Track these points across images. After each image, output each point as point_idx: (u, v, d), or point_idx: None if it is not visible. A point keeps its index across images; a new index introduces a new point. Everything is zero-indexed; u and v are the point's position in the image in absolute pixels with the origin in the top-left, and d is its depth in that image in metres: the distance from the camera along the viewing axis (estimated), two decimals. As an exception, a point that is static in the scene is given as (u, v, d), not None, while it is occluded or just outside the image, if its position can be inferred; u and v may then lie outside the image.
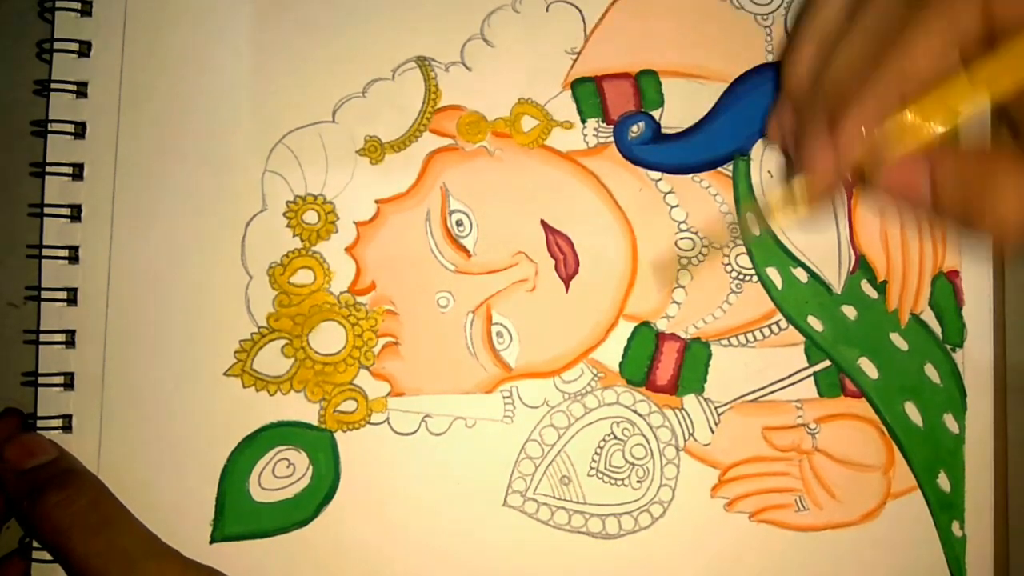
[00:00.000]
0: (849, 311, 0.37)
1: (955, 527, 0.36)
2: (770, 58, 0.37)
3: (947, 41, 0.24)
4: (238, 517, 0.34)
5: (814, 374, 0.37)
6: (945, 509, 0.36)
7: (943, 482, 0.37)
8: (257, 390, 0.35)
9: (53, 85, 0.35)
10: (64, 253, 0.35)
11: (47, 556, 0.33)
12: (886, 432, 0.37)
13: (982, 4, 0.23)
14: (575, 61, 0.37)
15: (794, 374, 0.37)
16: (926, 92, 0.25)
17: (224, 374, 0.35)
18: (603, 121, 0.37)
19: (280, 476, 0.35)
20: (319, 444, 0.35)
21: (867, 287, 0.37)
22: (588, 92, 0.36)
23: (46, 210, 0.35)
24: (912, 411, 0.37)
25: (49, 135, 0.35)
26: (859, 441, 0.37)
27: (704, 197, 0.37)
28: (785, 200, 0.30)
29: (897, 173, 0.26)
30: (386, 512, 0.35)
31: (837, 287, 0.37)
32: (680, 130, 0.37)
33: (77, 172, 0.35)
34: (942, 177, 0.26)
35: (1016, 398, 0.38)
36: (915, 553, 0.36)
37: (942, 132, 0.26)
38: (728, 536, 0.36)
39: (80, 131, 0.35)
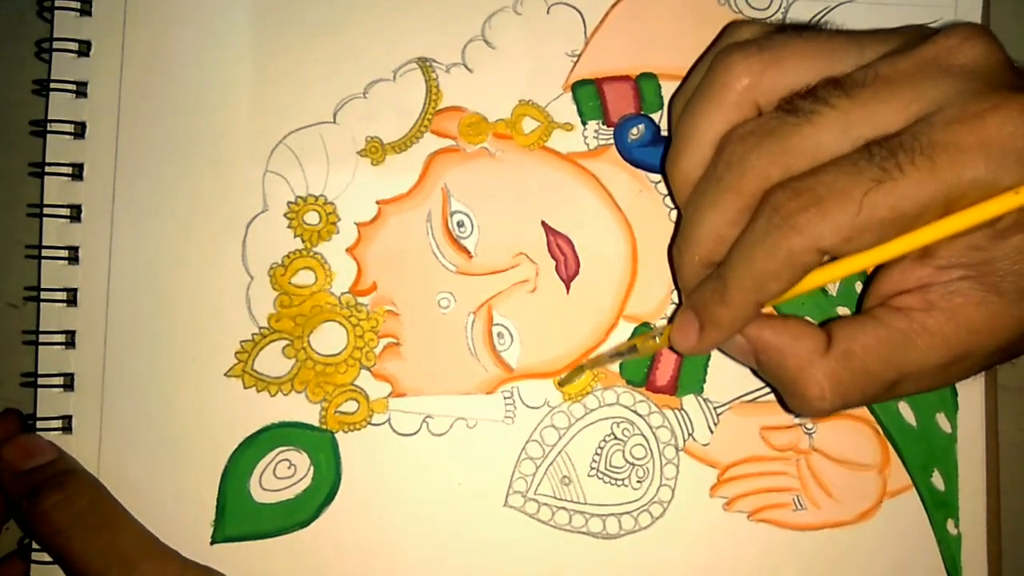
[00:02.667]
0: (845, 312, 0.37)
1: (950, 525, 0.37)
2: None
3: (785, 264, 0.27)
4: (239, 518, 0.34)
5: (811, 374, 0.37)
6: (940, 508, 0.37)
7: (937, 481, 0.37)
8: (258, 391, 0.35)
9: (52, 85, 0.35)
10: (64, 253, 0.34)
11: (46, 557, 0.33)
12: (880, 432, 0.37)
13: (818, 249, 0.26)
14: (576, 63, 0.37)
15: (792, 375, 0.37)
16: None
17: (225, 375, 0.35)
18: (603, 123, 0.37)
19: (281, 477, 0.35)
20: (320, 445, 0.35)
21: (862, 288, 0.37)
22: (588, 94, 0.37)
23: (46, 210, 0.34)
24: (905, 410, 0.37)
25: (49, 135, 0.35)
26: (855, 440, 0.37)
27: (703, 199, 0.37)
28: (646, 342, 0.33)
29: (732, 348, 0.31)
30: (387, 513, 0.35)
31: (832, 288, 0.37)
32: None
33: (77, 172, 0.35)
34: (763, 361, 0.30)
35: (1007, 397, 0.38)
36: (911, 551, 0.36)
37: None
38: (727, 535, 0.36)
39: (80, 131, 0.35)
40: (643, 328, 0.36)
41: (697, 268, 0.30)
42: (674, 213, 0.37)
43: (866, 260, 0.27)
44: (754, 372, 0.31)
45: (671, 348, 0.31)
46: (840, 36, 0.29)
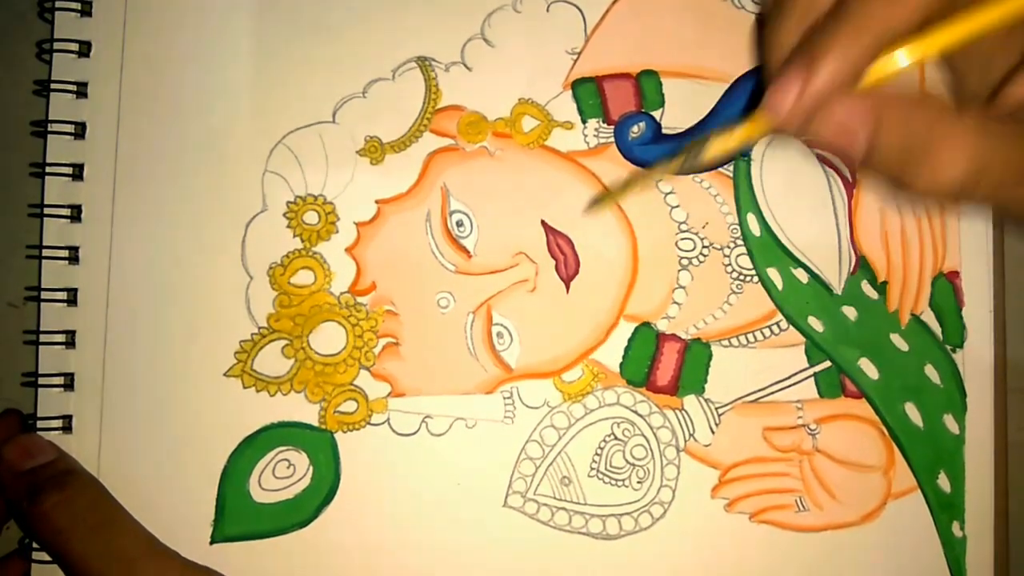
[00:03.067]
0: (849, 312, 0.37)
1: (955, 527, 0.36)
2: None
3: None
4: (238, 518, 0.34)
5: (814, 375, 0.37)
6: (945, 509, 0.36)
7: (943, 483, 0.37)
8: (257, 391, 0.35)
9: (53, 85, 0.35)
10: (64, 253, 0.35)
11: (47, 557, 0.33)
12: (886, 432, 0.37)
13: None
14: (576, 61, 0.37)
15: (794, 375, 0.37)
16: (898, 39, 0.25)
17: (224, 375, 0.35)
18: (604, 121, 0.37)
19: (280, 477, 0.35)
20: (319, 445, 0.35)
21: (867, 288, 0.37)
22: (589, 92, 0.36)
23: (46, 210, 0.35)
24: (912, 412, 0.37)
25: (49, 135, 0.35)
26: (859, 442, 0.37)
27: (704, 197, 0.37)
28: (729, 136, 0.28)
29: (840, 117, 0.26)
30: (386, 513, 0.35)
31: (838, 288, 0.37)
32: (681, 130, 0.37)
33: (77, 172, 0.35)
34: (885, 127, 0.25)
35: (1016, 399, 0.38)
36: (915, 553, 0.36)
37: (902, 70, 0.25)
38: (728, 537, 0.36)
39: (80, 131, 0.35)
40: (645, 328, 0.36)
41: (796, 35, 0.26)
42: (675, 212, 0.36)
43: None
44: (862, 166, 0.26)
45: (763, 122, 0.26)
46: None
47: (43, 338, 0.34)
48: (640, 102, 0.37)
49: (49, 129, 0.35)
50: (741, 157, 0.37)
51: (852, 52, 0.24)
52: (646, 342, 0.36)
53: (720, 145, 0.28)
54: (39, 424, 0.34)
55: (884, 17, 0.24)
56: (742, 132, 0.27)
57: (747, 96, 0.37)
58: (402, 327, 0.35)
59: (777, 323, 0.37)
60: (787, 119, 0.25)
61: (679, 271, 0.36)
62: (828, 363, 0.37)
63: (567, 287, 0.36)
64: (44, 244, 0.34)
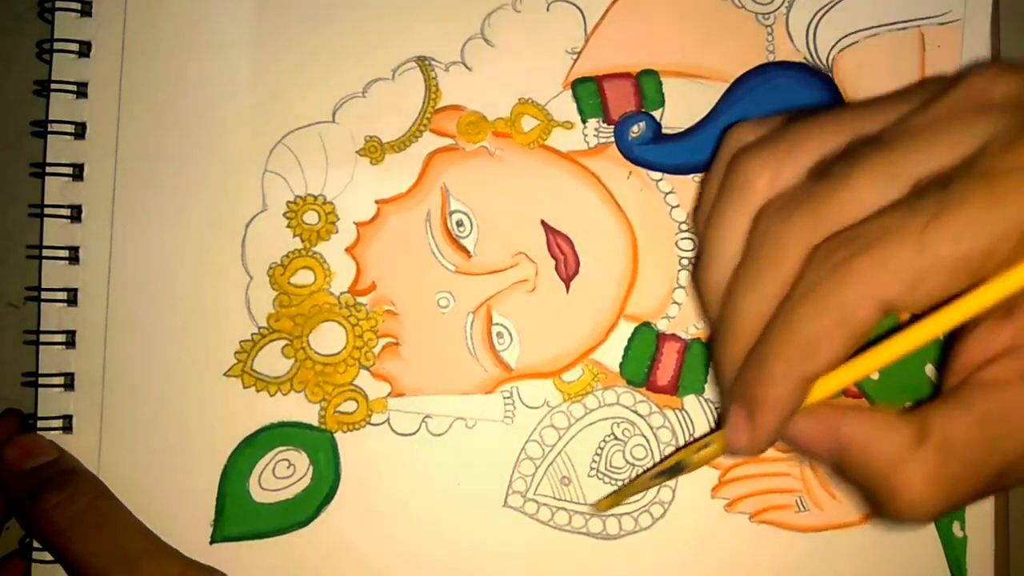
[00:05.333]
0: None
1: (955, 528, 0.36)
2: (771, 58, 0.37)
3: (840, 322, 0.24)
4: (238, 518, 0.34)
5: (815, 374, 0.37)
6: (946, 510, 0.36)
7: (944, 482, 0.37)
8: (257, 391, 0.35)
9: (53, 85, 0.35)
10: (64, 254, 0.35)
11: (47, 556, 0.33)
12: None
13: (877, 300, 0.23)
14: (575, 61, 0.37)
15: (795, 374, 0.36)
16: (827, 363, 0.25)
17: (224, 375, 0.35)
18: (604, 121, 0.36)
19: (280, 477, 0.35)
20: (319, 445, 0.35)
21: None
22: (589, 92, 0.36)
23: (46, 210, 0.35)
24: (913, 411, 0.37)
25: (49, 135, 0.35)
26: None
27: (705, 197, 0.37)
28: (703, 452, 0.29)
29: (802, 435, 0.26)
30: (386, 513, 0.35)
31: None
32: (681, 130, 0.37)
33: (77, 172, 0.35)
34: (844, 452, 0.26)
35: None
36: (915, 553, 0.36)
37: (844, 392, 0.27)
38: (729, 537, 0.36)
39: (80, 131, 0.35)
40: (645, 328, 0.36)
41: (739, 361, 0.26)
42: (675, 212, 0.36)
43: (938, 324, 0.24)
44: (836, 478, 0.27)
45: (729, 453, 0.28)
46: (852, 106, 0.27)
47: (43, 338, 0.34)
48: (640, 102, 0.37)
49: (49, 129, 0.35)
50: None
51: (784, 393, 0.25)
52: (646, 342, 0.36)
53: (698, 463, 0.29)
54: (39, 424, 0.34)
55: (807, 358, 0.24)
56: (714, 451, 0.28)
57: (746, 98, 0.37)
58: (402, 327, 0.35)
59: (777, 323, 0.36)
60: (747, 451, 0.27)
61: (679, 271, 0.36)
62: (828, 363, 0.37)
63: (567, 287, 0.36)
64: (44, 244, 0.34)
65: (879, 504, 0.26)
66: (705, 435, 0.32)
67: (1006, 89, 0.24)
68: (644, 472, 0.35)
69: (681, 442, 0.36)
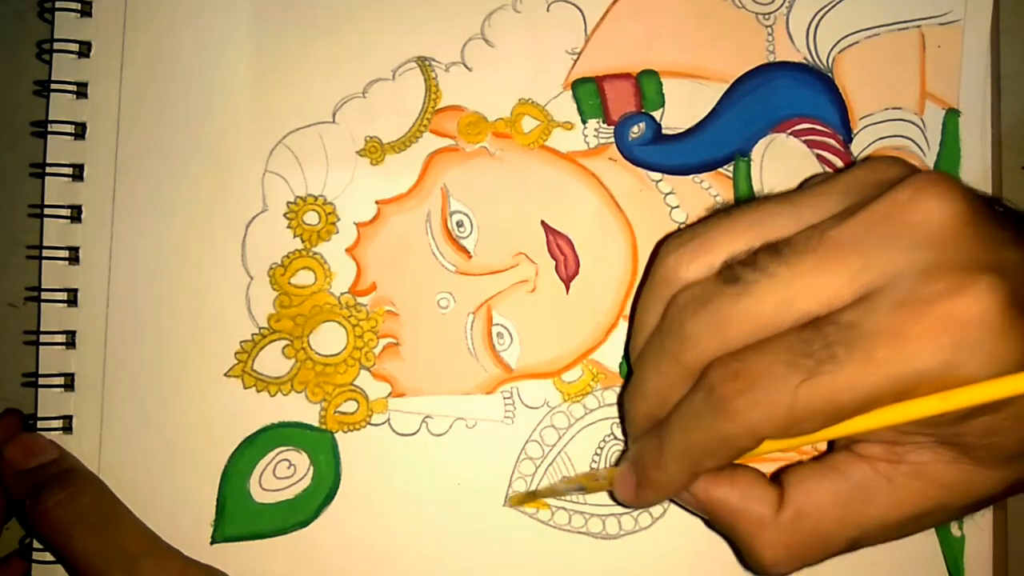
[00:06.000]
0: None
1: (953, 527, 0.36)
2: (771, 58, 0.37)
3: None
4: (239, 518, 0.34)
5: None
6: (944, 509, 0.36)
7: (942, 482, 0.37)
8: (258, 391, 0.35)
9: (53, 85, 0.35)
10: (64, 254, 0.35)
11: (48, 556, 0.33)
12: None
13: (753, 435, 0.25)
14: (576, 61, 0.37)
15: (794, 375, 0.37)
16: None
17: (225, 375, 0.35)
18: (604, 122, 0.36)
19: (281, 477, 0.35)
20: (320, 445, 0.35)
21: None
22: (589, 92, 0.36)
23: (46, 211, 0.35)
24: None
25: (49, 136, 0.35)
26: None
27: (705, 198, 0.37)
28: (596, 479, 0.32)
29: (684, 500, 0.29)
30: (387, 513, 0.35)
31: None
32: (681, 131, 0.37)
33: (77, 173, 0.35)
34: (714, 507, 0.28)
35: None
36: (913, 552, 0.36)
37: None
38: (728, 536, 0.36)
39: (80, 131, 0.35)
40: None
41: (643, 420, 0.29)
42: (675, 212, 0.36)
43: (812, 439, 0.26)
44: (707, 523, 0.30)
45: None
46: (773, 200, 0.27)
47: (43, 338, 0.34)
48: (640, 102, 0.37)
49: (49, 129, 0.35)
50: (740, 156, 0.37)
51: (672, 481, 0.27)
52: (646, 342, 0.36)
53: (592, 491, 0.32)
54: (39, 424, 0.34)
55: (695, 463, 0.27)
56: (603, 486, 0.31)
57: (745, 98, 0.37)
58: (402, 327, 0.35)
59: (777, 323, 0.36)
60: (629, 506, 0.32)
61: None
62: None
63: (567, 287, 0.36)
64: (44, 244, 0.35)
65: (745, 560, 0.28)
66: (599, 471, 0.34)
67: (924, 214, 0.24)
68: (560, 480, 0.35)
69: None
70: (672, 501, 0.31)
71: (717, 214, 0.28)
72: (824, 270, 0.24)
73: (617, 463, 0.32)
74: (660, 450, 0.27)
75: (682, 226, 0.36)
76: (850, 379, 0.23)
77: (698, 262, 0.27)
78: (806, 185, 0.29)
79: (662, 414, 0.28)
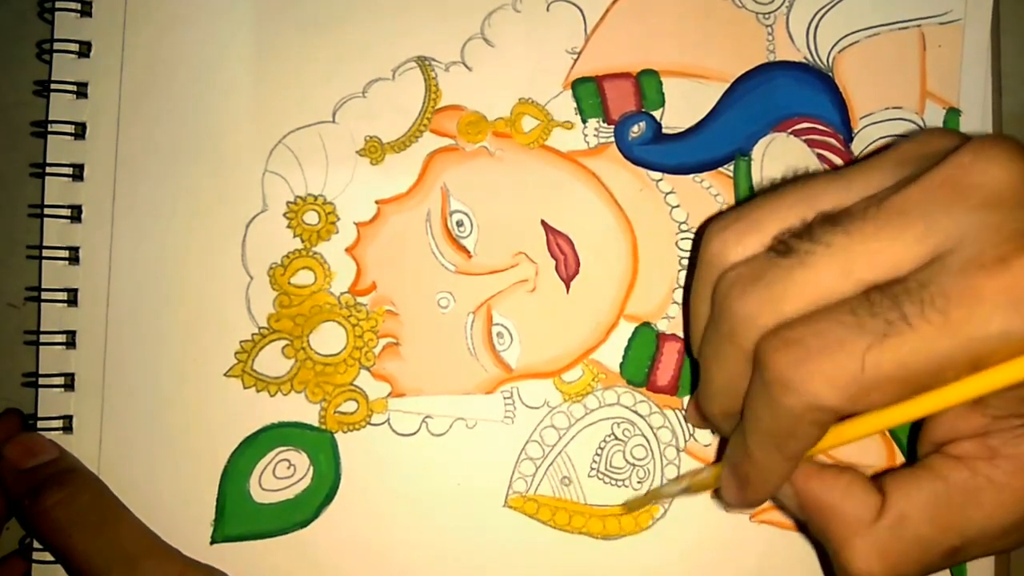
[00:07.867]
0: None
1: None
2: (772, 57, 0.37)
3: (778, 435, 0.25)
4: (238, 518, 0.34)
5: (815, 375, 0.37)
6: (946, 509, 0.36)
7: (944, 482, 0.37)
8: (257, 391, 0.35)
9: (53, 85, 0.35)
10: (64, 254, 0.35)
11: (48, 556, 0.33)
12: (886, 432, 0.37)
13: (819, 410, 0.23)
14: (576, 61, 0.37)
15: (795, 375, 0.36)
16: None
17: (224, 375, 0.35)
18: (604, 121, 0.36)
19: (280, 477, 0.35)
20: (320, 445, 0.35)
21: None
22: (589, 92, 0.36)
23: (46, 211, 0.35)
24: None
25: (49, 136, 0.35)
26: (860, 442, 0.36)
27: (705, 197, 0.37)
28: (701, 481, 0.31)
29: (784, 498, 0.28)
30: (387, 513, 0.35)
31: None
32: (681, 130, 0.37)
33: (77, 173, 0.35)
34: (811, 506, 0.27)
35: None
36: (916, 554, 0.36)
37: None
38: (729, 536, 0.36)
39: (80, 131, 0.35)
40: (645, 328, 0.36)
41: (721, 420, 0.28)
42: (675, 212, 0.36)
43: (892, 418, 0.24)
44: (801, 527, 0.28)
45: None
46: (820, 176, 0.26)
47: (43, 338, 0.34)
48: (640, 102, 0.37)
49: (49, 129, 0.35)
50: (741, 156, 0.37)
51: (768, 473, 0.26)
52: (646, 342, 0.36)
53: (700, 488, 0.31)
54: (39, 424, 0.34)
55: (780, 447, 0.25)
56: (712, 482, 0.30)
57: (745, 100, 0.37)
58: (402, 327, 0.35)
59: (777, 323, 0.36)
60: (736, 509, 0.31)
61: (679, 271, 0.36)
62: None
63: (567, 287, 0.36)
64: (44, 244, 0.35)
65: (834, 566, 0.27)
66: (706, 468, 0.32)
67: (988, 176, 0.23)
68: (666, 483, 0.35)
69: (682, 443, 0.36)
70: (774, 502, 0.29)
71: (761, 194, 0.27)
72: (886, 236, 0.23)
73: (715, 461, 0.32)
74: (744, 444, 0.26)
75: (683, 225, 0.36)
76: (924, 341, 0.22)
77: (745, 242, 0.25)
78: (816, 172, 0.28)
79: (739, 407, 0.26)
